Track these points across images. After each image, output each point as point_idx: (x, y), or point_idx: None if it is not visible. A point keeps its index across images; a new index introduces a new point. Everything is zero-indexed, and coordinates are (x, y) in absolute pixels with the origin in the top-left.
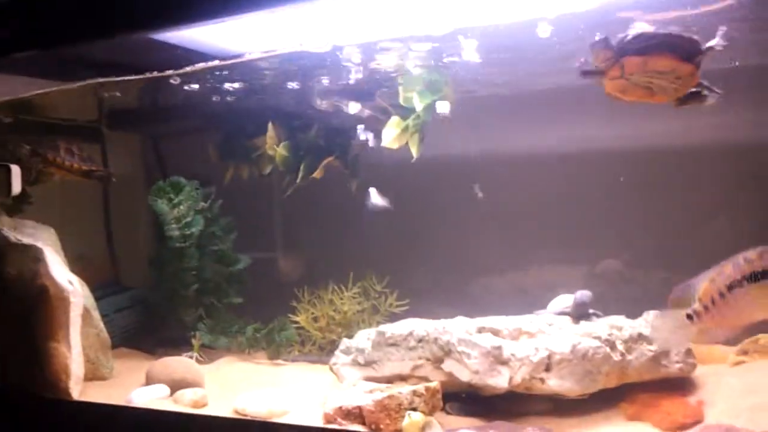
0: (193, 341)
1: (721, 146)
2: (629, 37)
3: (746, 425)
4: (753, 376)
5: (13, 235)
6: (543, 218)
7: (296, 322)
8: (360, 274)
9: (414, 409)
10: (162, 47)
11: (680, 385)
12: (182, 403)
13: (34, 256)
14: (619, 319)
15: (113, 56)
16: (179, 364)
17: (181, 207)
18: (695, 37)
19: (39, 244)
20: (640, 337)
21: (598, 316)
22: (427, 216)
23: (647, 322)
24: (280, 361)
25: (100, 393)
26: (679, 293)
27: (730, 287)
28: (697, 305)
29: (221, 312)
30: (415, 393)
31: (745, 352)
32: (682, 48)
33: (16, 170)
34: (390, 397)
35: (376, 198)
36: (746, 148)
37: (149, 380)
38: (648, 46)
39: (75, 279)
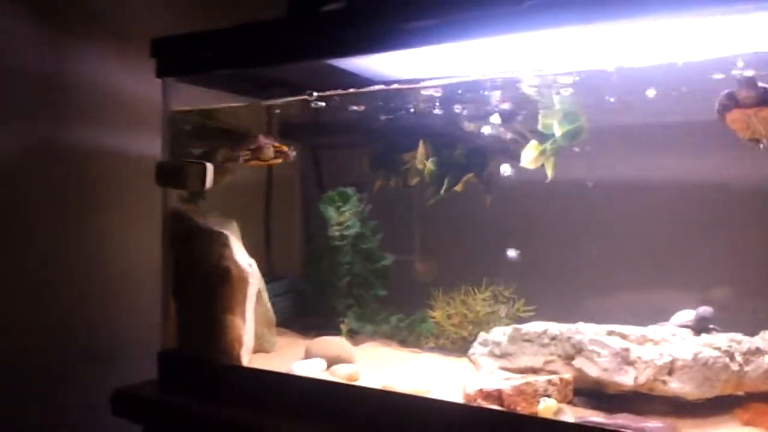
0: (342, 326)
1: None
2: None
3: None
4: None
5: (204, 223)
6: (659, 245)
7: (433, 317)
8: (490, 281)
9: (548, 396)
10: (335, 72)
11: None
12: (338, 376)
13: (222, 241)
14: (737, 335)
15: (288, 77)
16: (335, 342)
17: (346, 214)
18: None
19: (226, 232)
20: (758, 351)
21: (717, 330)
22: (556, 234)
23: (764, 339)
24: (417, 350)
25: (265, 363)
26: None
27: None
28: None
29: (368, 303)
30: (550, 382)
31: None
32: None
33: (210, 167)
34: (527, 383)
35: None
36: None
37: (308, 355)
38: None
39: (254, 263)
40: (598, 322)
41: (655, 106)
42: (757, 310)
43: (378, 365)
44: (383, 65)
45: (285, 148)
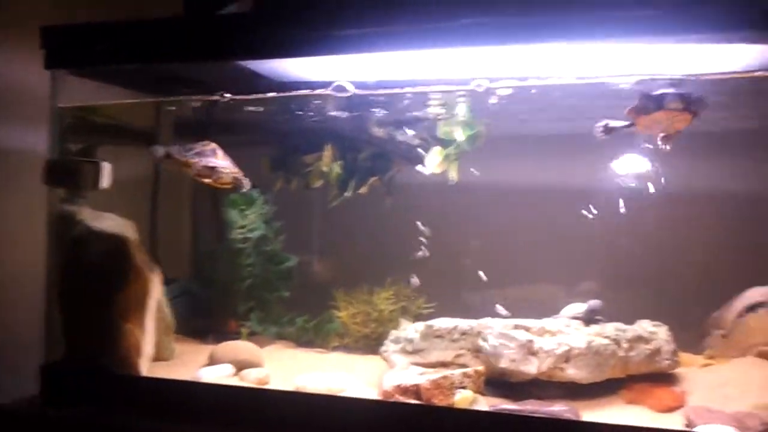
0: (242, 329)
1: None
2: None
3: (720, 408)
4: (720, 374)
5: (97, 225)
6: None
7: (339, 317)
8: (392, 280)
9: (464, 388)
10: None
11: (668, 378)
12: (248, 381)
13: (118, 244)
14: (621, 325)
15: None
16: (243, 346)
17: (250, 217)
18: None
19: (121, 234)
20: (640, 339)
21: (604, 321)
22: (454, 233)
23: (643, 328)
24: (323, 350)
25: (166, 371)
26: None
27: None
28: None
29: (271, 305)
30: (465, 374)
31: (711, 357)
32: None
33: (106, 166)
34: (444, 377)
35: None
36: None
37: (214, 361)
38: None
39: (155, 267)
40: (492, 316)
41: (546, 117)
42: None
43: (287, 367)
44: (291, 67)
45: (241, 176)
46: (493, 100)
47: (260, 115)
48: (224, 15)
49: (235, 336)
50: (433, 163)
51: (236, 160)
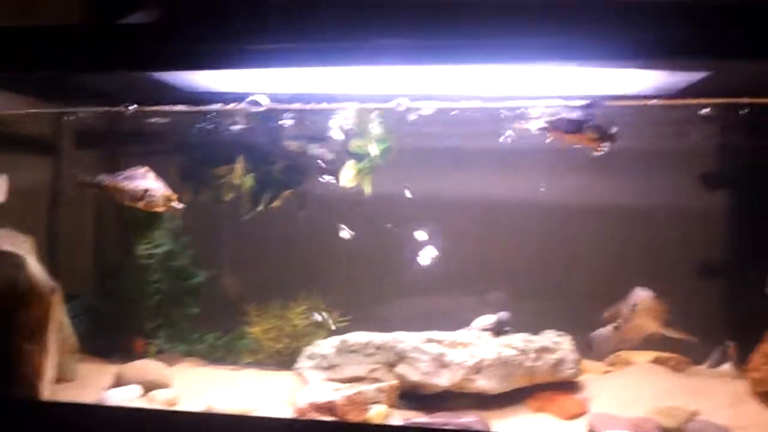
0: (150, 347)
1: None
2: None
3: (619, 413)
4: (618, 381)
5: None
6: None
7: (251, 333)
8: (306, 293)
9: (378, 403)
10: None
11: (571, 386)
12: (157, 402)
13: (15, 262)
14: (528, 335)
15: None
16: (151, 366)
17: (156, 233)
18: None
19: (18, 252)
20: (546, 349)
21: (512, 332)
22: (366, 246)
23: (548, 338)
24: (235, 367)
25: (68, 394)
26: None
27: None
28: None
29: (179, 322)
30: (379, 389)
31: (612, 364)
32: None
33: (2, 180)
34: (359, 393)
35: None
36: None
37: (120, 382)
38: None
39: (55, 284)
40: (407, 329)
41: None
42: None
43: (198, 386)
44: (204, 79)
45: (175, 198)
46: (412, 116)
47: (170, 126)
48: (132, 25)
49: (143, 355)
50: (346, 176)
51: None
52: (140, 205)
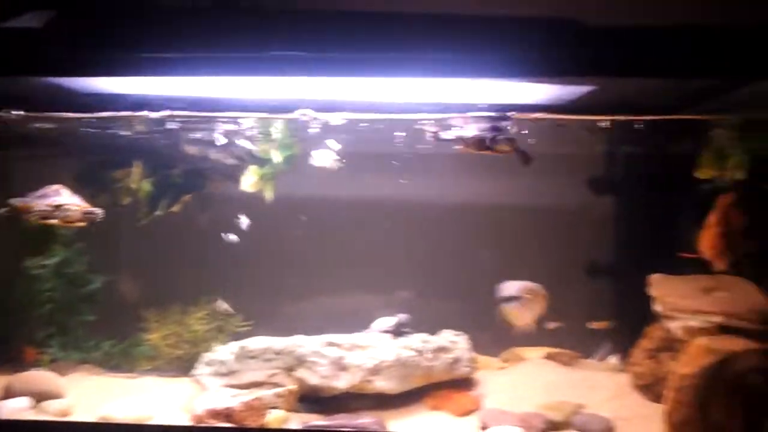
0: (43, 357)
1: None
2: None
3: (510, 408)
4: (511, 377)
5: None
6: (358, 258)
7: (148, 340)
8: (207, 299)
9: (276, 408)
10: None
11: (466, 383)
12: (49, 413)
13: None
14: (426, 336)
15: None
16: (42, 376)
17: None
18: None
19: None
20: (442, 349)
21: (410, 333)
22: (267, 251)
23: (445, 338)
24: (132, 375)
25: None
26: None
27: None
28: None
29: (74, 330)
30: (277, 395)
31: (506, 360)
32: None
33: None
34: (257, 398)
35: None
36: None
37: (9, 393)
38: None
39: None
40: (308, 333)
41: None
42: None
43: (93, 395)
44: (101, 83)
45: (92, 209)
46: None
47: (64, 130)
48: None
49: (35, 364)
50: (248, 181)
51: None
52: (55, 222)
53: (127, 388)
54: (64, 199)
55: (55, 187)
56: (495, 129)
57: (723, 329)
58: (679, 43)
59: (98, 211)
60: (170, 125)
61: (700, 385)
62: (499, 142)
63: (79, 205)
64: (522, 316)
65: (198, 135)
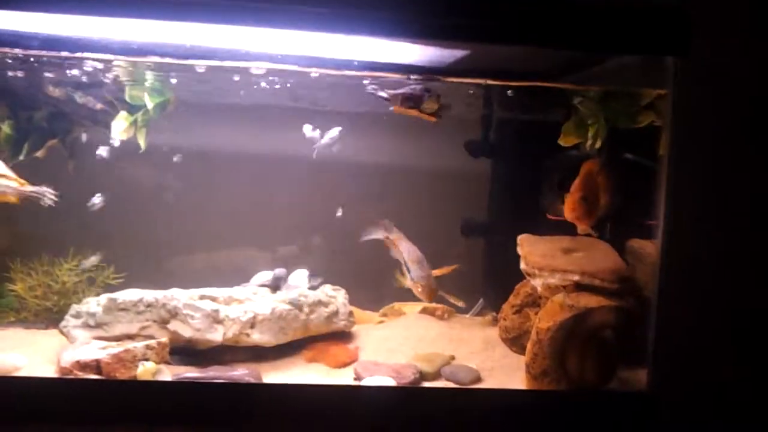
0: None
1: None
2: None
3: (385, 361)
4: (389, 331)
5: None
6: (238, 210)
7: (13, 290)
8: (76, 250)
9: (147, 360)
10: None
11: (344, 337)
12: None
13: None
14: (305, 290)
15: None
16: None
17: None
18: None
19: None
20: (320, 303)
21: (288, 287)
22: (143, 201)
23: (323, 293)
24: None
25: None
26: None
27: None
28: None
29: None
30: (147, 347)
31: (385, 315)
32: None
33: None
34: (126, 350)
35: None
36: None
37: None
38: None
39: None
40: (187, 286)
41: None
42: None
43: None
44: None
45: (40, 190)
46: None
47: None
48: None
49: None
50: (118, 128)
51: None
52: None
53: None
54: None
55: None
56: (425, 89)
57: (580, 287)
58: (551, 15)
59: (48, 191)
60: (28, 64)
61: (557, 338)
62: (428, 102)
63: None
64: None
65: (60, 76)
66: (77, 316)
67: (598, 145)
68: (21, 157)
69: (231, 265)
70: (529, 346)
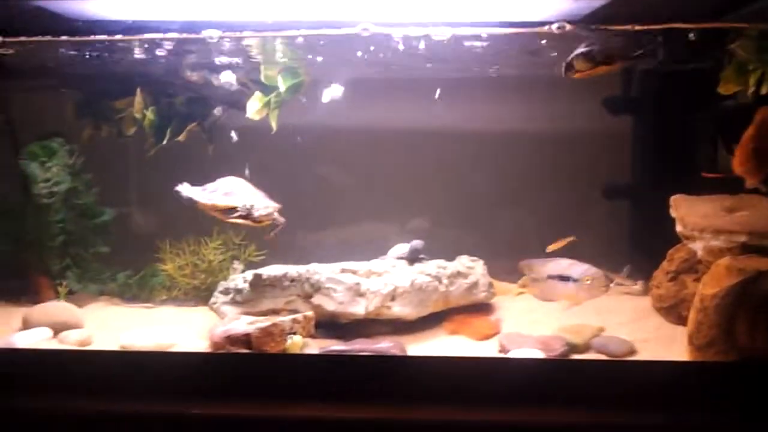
0: (60, 289)
1: None
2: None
3: (529, 333)
4: (530, 302)
5: None
6: (369, 186)
7: (164, 270)
8: (219, 229)
9: (294, 334)
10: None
11: (485, 308)
12: (69, 343)
13: None
14: (442, 262)
15: None
16: (59, 307)
17: (54, 170)
18: None
19: None
20: (459, 274)
21: (426, 259)
22: (279, 181)
23: (461, 264)
24: (149, 305)
25: None
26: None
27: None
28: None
29: (88, 261)
30: (294, 321)
31: (524, 285)
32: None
33: None
34: (274, 324)
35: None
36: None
37: (28, 325)
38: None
39: None
40: (324, 261)
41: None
42: None
43: (111, 326)
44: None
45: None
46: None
47: (61, 59)
48: None
49: (52, 296)
50: (252, 108)
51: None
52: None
53: (145, 318)
54: (255, 201)
55: (231, 180)
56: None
57: (746, 248)
58: None
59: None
60: (167, 50)
61: (725, 305)
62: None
63: (267, 206)
64: (575, 298)
65: (198, 60)
66: (225, 292)
67: (764, 90)
68: (164, 142)
69: (363, 239)
70: (692, 314)
